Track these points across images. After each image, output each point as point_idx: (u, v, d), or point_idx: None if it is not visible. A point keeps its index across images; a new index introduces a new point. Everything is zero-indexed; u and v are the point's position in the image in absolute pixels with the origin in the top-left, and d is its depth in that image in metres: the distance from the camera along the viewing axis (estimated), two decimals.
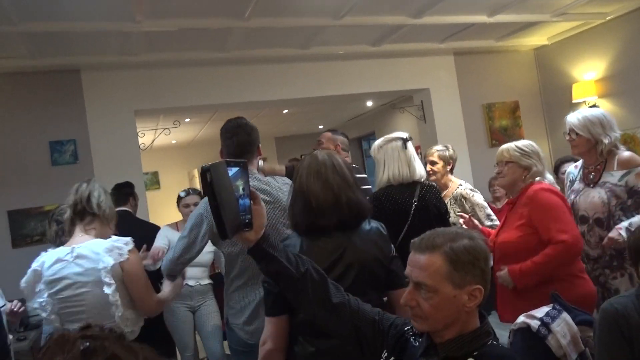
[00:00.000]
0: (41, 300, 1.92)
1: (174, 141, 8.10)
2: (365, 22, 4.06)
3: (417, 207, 2.47)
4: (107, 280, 1.87)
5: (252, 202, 1.21)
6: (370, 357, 1.32)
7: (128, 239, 1.99)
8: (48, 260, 1.94)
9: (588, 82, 5.06)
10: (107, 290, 1.87)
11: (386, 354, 1.27)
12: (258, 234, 1.23)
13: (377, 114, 8.00)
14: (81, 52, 3.94)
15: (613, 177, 2.49)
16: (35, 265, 1.97)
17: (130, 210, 3.45)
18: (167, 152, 8.55)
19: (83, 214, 2.01)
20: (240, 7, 3.50)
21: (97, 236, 2.00)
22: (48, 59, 3.90)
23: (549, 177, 2.47)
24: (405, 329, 1.28)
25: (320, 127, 9.41)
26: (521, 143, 2.40)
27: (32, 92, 4.01)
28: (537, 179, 2.34)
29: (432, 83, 5.25)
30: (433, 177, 3.23)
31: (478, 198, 3.08)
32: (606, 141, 2.49)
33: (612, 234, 2.37)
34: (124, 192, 3.46)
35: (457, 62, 5.36)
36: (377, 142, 2.64)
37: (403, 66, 5.13)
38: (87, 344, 0.78)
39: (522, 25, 4.83)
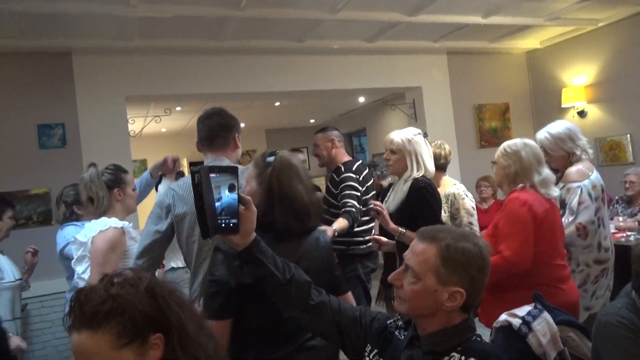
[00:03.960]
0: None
1: (163, 129, 8.04)
2: (361, 17, 4.06)
3: None
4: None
5: (243, 207, 1.22)
6: (353, 352, 1.34)
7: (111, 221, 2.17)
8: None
9: (578, 87, 5.13)
10: None
11: (369, 347, 1.29)
12: (245, 238, 1.24)
13: (368, 111, 8.01)
14: (73, 35, 3.89)
15: (556, 191, 2.46)
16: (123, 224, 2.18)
17: None
18: (156, 140, 8.48)
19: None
20: None
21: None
22: (40, 40, 3.84)
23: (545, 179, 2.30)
24: (388, 322, 1.31)
25: (312, 121, 9.41)
26: (512, 142, 2.31)
27: (22, 73, 3.95)
28: (520, 185, 2.25)
29: (425, 82, 5.27)
30: None
31: (467, 203, 3.04)
32: (578, 152, 2.67)
33: None
34: None
35: (450, 61, 5.39)
36: (401, 135, 2.52)
37: (397, 63, 5.15)
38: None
39: (515, 27, 4.87)
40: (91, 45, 4.04)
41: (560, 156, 2.71)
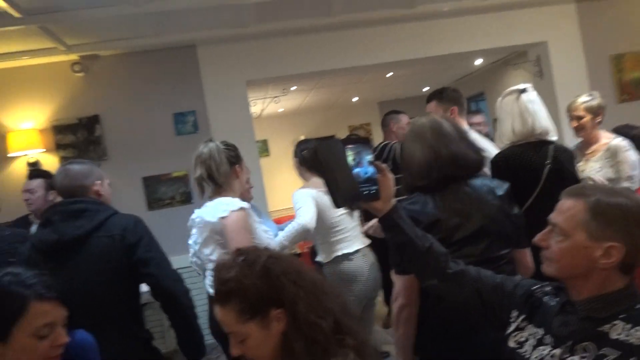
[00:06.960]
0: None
1: (281, 109, 8.38)
2: None
3: (550, 170, 2.15)
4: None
5: (380, 174, 1.28)
6: (494, 319, 1.30)
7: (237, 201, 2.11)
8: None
9: None
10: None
11: (516, 312, 1.25)
12: (386, 204, 1.29)
13: (486, 73, 7.55)
14: (197, 28, 4.20)
15: None
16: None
17: None
18: (275, 120, 8.88)
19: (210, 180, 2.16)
20: None
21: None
22: (168, 36, 4.20)
23: None
24: (533, 288, 1.25)
25: (425, 89, 9.12)
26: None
27: (156, 68, 4.38)
28: None
29: (551, 35, 4.81)
30: (582, 133, 2.91)
31: (631, 155, 2.75)
32: None
33: None
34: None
35: (580, 10, 4.85)
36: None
37: (516, 19, 4.76)
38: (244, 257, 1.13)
39: None
40: (212, 35, 4.33)
41: None
